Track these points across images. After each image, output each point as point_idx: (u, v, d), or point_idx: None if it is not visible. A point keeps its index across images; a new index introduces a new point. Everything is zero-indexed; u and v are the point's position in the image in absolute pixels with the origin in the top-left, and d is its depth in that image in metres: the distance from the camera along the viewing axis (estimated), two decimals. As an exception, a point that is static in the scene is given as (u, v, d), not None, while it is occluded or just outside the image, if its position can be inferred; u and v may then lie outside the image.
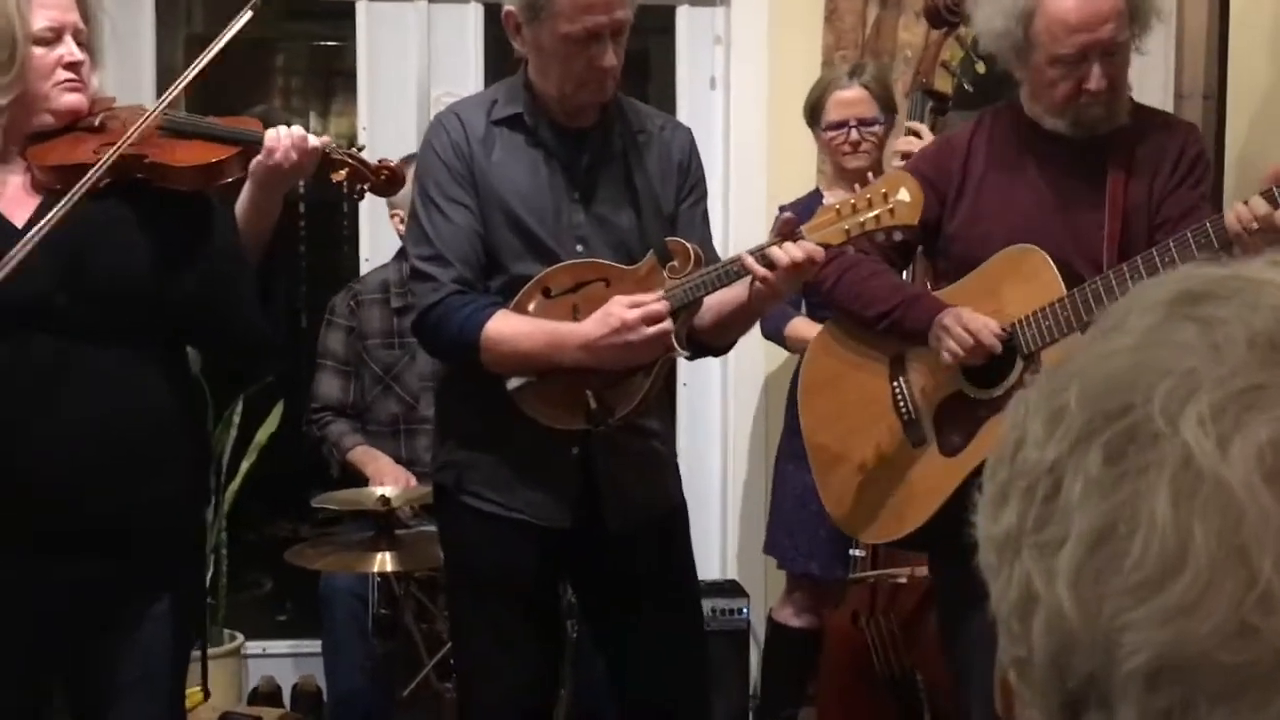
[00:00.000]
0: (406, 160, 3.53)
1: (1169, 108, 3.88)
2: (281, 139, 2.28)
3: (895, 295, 2.64)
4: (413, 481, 3.44)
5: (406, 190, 2.63)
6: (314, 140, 2.31)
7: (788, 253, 2.32)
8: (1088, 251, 2.53)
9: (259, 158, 2.28)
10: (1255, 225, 2.28)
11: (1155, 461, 0.57)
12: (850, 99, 3.49)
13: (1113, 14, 2.47)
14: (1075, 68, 2.49)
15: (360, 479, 3.51)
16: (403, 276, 3.61)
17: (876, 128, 3.49)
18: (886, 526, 2.69)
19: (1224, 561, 0.54)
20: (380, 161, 2.42)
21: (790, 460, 3.59)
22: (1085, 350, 0.63)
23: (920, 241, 2.74)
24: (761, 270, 2.34)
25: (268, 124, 2.33)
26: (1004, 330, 2.51)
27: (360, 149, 2.42)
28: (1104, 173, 2.57)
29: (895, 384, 2.67)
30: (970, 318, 2.52)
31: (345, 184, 2.36)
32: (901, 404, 2.66)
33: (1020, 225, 2.56)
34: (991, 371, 2.56)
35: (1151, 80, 3.75)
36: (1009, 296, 2.53)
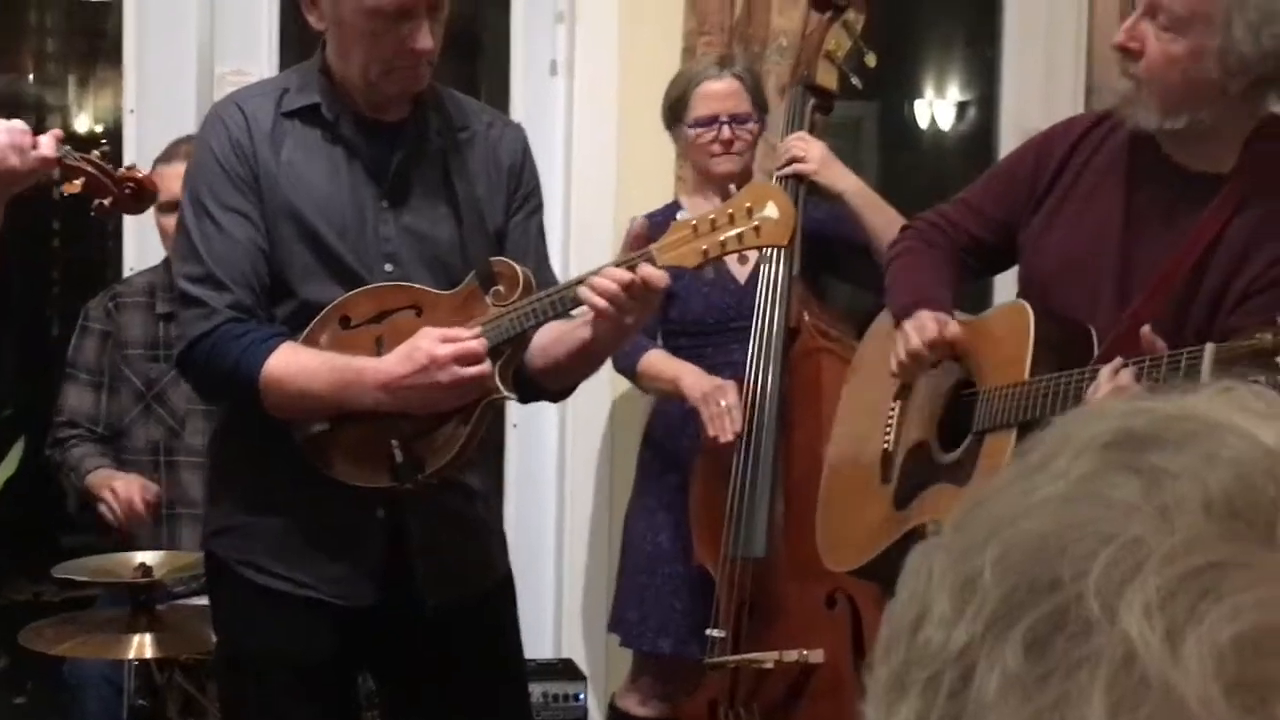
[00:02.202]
0: (184, 142, 3.44)
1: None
2: None
3: (911, 295, 2.64)
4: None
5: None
6: (42, 140, 2.18)
7: (615, 279, 2.30)
8: (1119, 311, 2.45)
9: None
10: None
11: (1089, 657, 0.52)
12: (722, 90, 3.45)
13: None
14: None
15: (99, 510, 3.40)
16: (171, 279, 3.52)
17: (751, 125, 3.46)
18: (834, 554, 2.80)
19: None
20: (126, 170, 2.32)
21: (641, 517, 3.57)
22: (1003, 495, 0.59)
23: (1006, 246, 2.70)
24: (601, 303, 2.31)
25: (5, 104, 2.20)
26: (946, 339, 2.51)
27: (101, 153, 2.32)
28: (1192, 222, 2.41)
29: (893, 406, 2.71)
30: (922, 323, 2.51)
31: (81, 197, 2.25)
32: (888, 431, 2.70)
33: (1071, 254, 2.52)
34: (958, 434, 2.57)
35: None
36: (997, 356, 2.53)
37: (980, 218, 2.70)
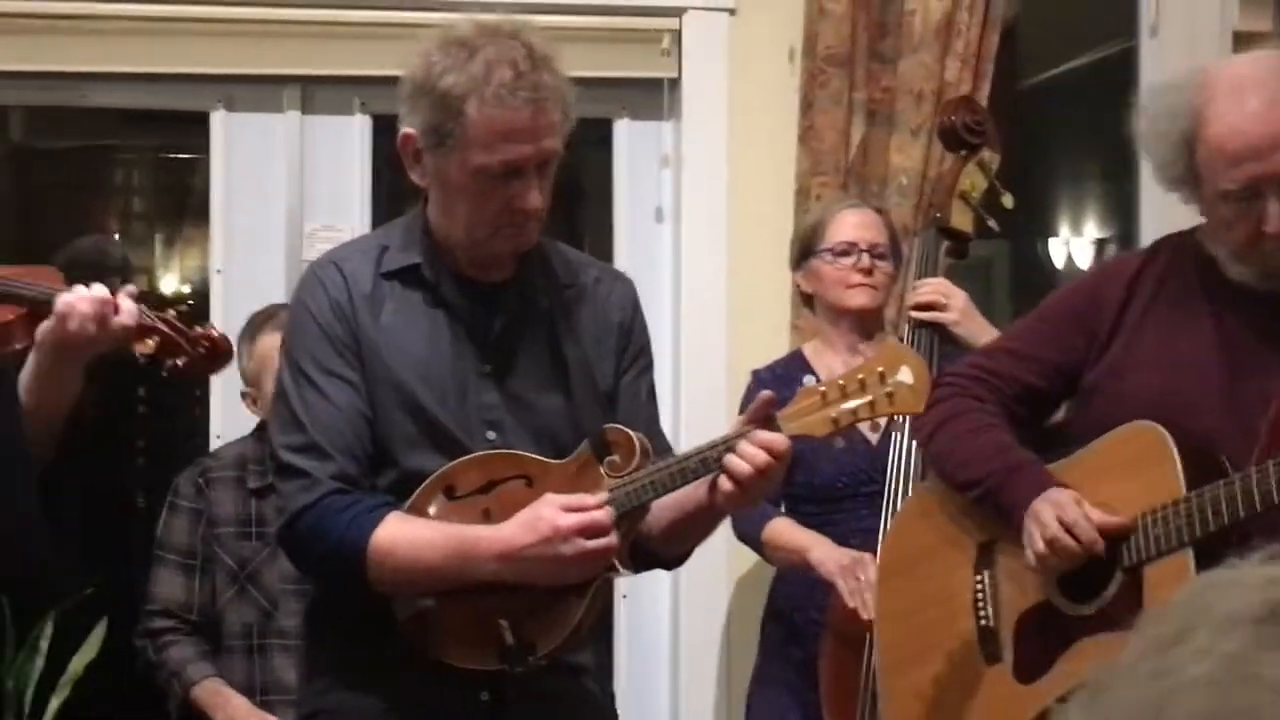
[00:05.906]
0: (269, 314, 3.56)
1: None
2: (77, 305, 2.26)
3: (994, 460, 2.65)
4: None
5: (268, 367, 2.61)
6: (125, 305, 2.28)
7: (749, 460, 2.32)
8: (1243, 437, 2.51)
9: (48, 324, 2.26)
10: None
11: None
12: (861, 220, 3.50)
13: None
14: (1249, 204, 2.49)
15: None
16: (264, 452, 3.58)
17: (887, 265, 3.50)
18: None
19: None
20: (201, 330, 2.41)
21: (765, 697, 3.55)
22: (1136, 673, 0.60)
23: (1061, 391, 2.76)
24: (746, 469, 2.33)
25: (76, 266, 2.32)
26: (1116, 526, 2.51)
27: (180, 309, 2.40)
28: None
29: (979, 579, 2.70)
30: (1070, 508, 2.52)
31: (153, 357, 2.34)
32: (981, 606, 2.69)
33: (1172, 388, 2.57)
34: (1091, 580, 2.56)
35: None
36: (1121, 488, 2.54)
37: (1035, 364, 2.73)
